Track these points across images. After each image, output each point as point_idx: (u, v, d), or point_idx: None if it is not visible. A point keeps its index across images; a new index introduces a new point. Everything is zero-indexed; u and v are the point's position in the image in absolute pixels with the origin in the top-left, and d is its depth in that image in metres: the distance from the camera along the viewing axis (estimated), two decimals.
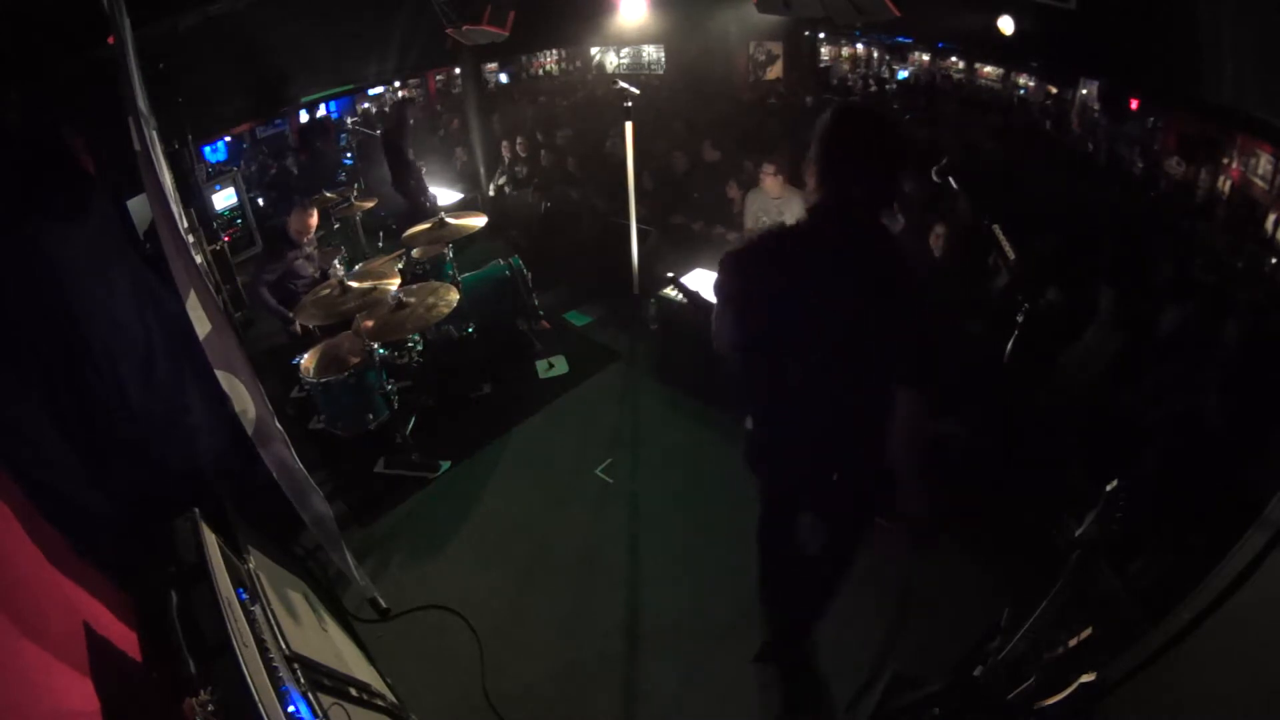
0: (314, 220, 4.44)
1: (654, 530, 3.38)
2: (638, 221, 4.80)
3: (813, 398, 1.89)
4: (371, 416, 3.81)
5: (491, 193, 7.22)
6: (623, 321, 5.15)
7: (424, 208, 6.14)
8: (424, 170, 6.46)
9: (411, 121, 6.90)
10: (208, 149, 7.07)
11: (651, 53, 9.92)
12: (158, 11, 5.17)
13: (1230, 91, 4.09)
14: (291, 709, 1.51)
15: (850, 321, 1.75)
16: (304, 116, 8.19)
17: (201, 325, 2.26)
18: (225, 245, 5.90)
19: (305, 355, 3.88)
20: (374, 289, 3.67)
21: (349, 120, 8.09)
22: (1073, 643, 1.67)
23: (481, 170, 7.25)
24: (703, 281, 4.49)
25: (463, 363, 4.59)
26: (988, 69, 7.30)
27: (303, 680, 1.69)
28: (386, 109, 9.34)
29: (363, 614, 3.03)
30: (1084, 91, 5.98)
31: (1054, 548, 1.79)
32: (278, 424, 2.38)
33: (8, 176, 2.38)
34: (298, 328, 4.13)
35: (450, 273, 4.73)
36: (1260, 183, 4.22)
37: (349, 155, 7.88)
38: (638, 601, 3.01)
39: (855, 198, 1.71)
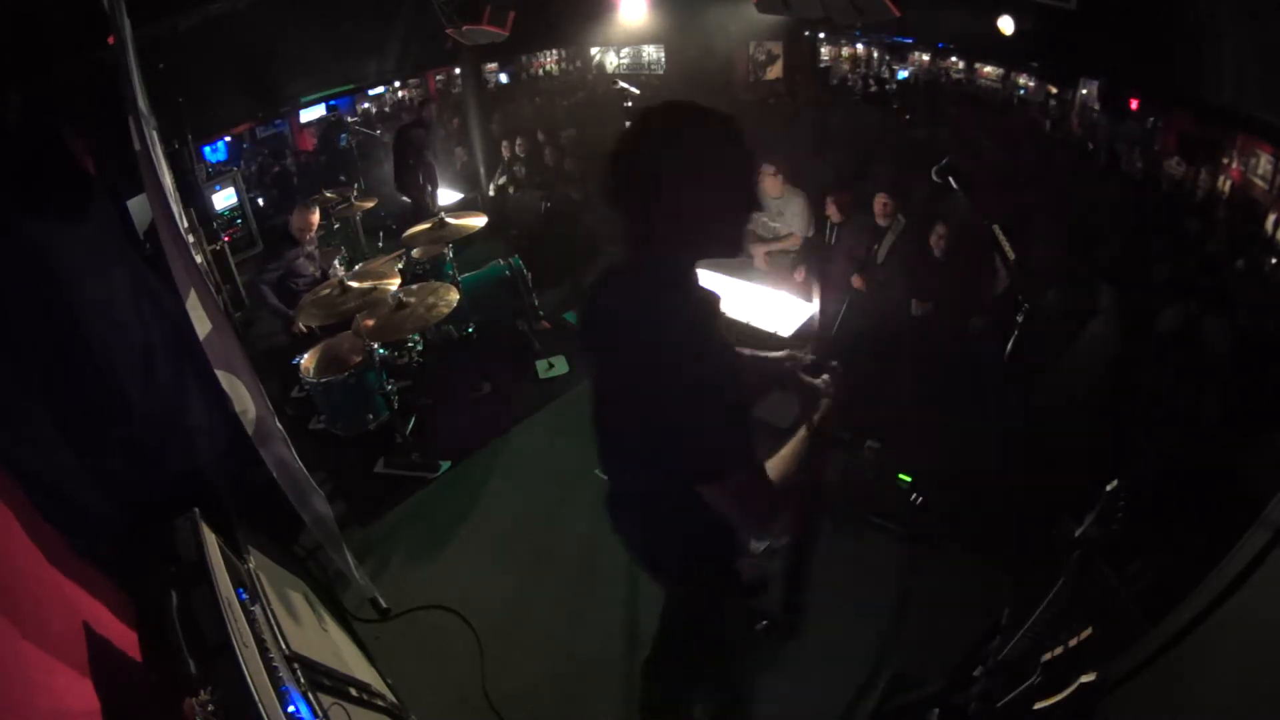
0: (315, 218, 4.44)
1: None
2: None
3: (619, 458, 1.62)
4: (371, 416, 3.81)
5: (492, 192, 7.22)
6: None
7: (429, 208, 6.16)
8: (435, 168, 6.50)
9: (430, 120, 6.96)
10: (208, 149, 7.06)
11: (651, 53, 9.90)
12: (158, 11, 5.17)
13: (1230, 91, 4.09)
14: (291, 709, 1.51)
15: (622, 384, 1.44)
16: (310, 115, 8.19)
17: (201, 325, 2.26)
18: (225, 245, 5.89)
19: (305, 355, 3.88)
20: (374, 289, 3.67)
21: (349, 120, 8.09)
22: (1073, 643, 1.67)
23: (481, 170, 7.24)
24: (702, 281, 4.49)
25: (463, 363, 4.59)
26: (988, 69, 7.30)
27: (303, 680, 1.70)
28: (386, 109, 9.34)
29: (363, 614, 3.03)
30: (1084, 91, 5.97)
31: (1054, 548, 1.79)
32: (278, 424, 2.38)
33: (8, 176, 2.38)
34: (300, 327, 4.12)
35: (450, 273, 4.73)
36: (1260, 183, 4.21)
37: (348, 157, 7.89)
38: (638, 601, 3.00)
39: (646, 232, 1.36)
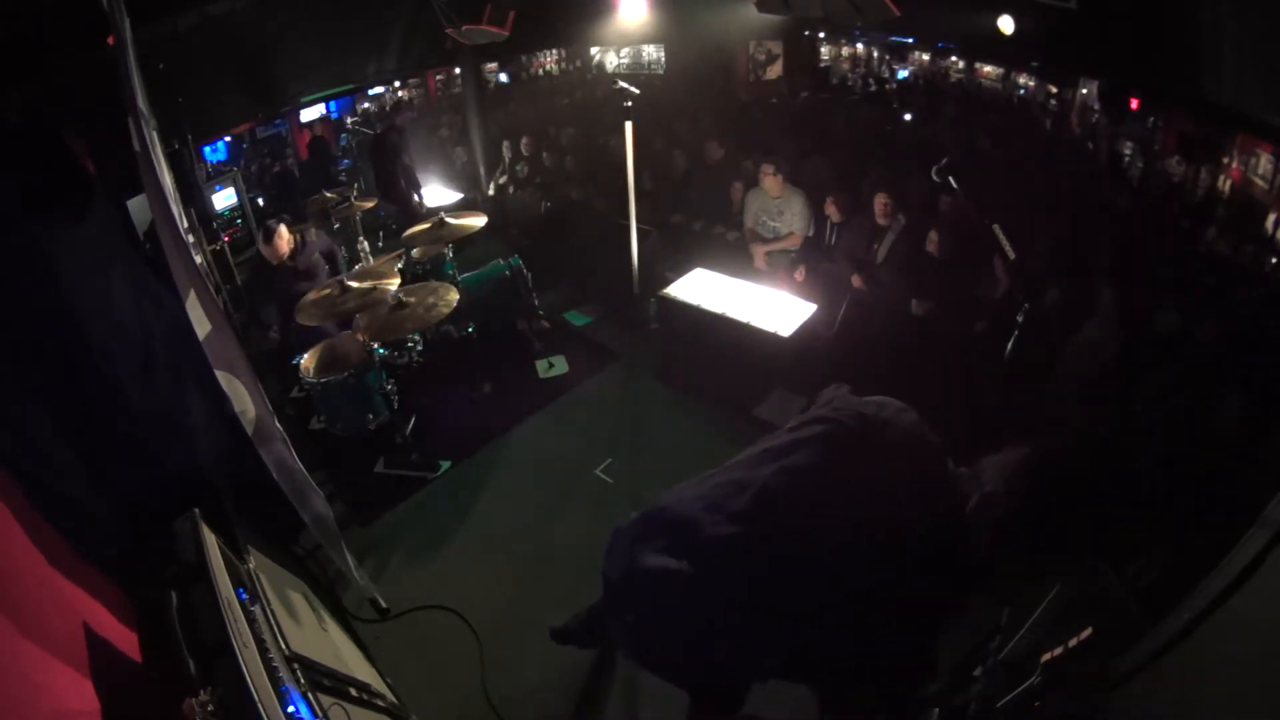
0: (284, 241, 4.30)
1: None
2: (638, 221, 4.80)
3: None
4: (371, 416, 3.81)
5: (492, 192, 7.22)
6: (623, 321, 5.15)
7: (416, 211, 6.17)
8: (415, 171, 6.49)
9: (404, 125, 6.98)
10: (208, 149, 7.06)
11: (651, 53, 9.90)
12: (158, 11, 5.17)
13: (1230, 91, 4.08)
14: (291, 709, 1.51)
15: None
16: (310, 115, 8.19)
17: (201, 325, 2.26)
18: (225, 245, 5.89)
19: (305, 355, 3.88)
20: (374, 289, 3.67)
21: (349, 120, 8.09)
22: (1073, 643, 1.67)
23: (481, 170, 7.25)
24: (702, 281, 4.50)
25: (463, 363, 4.59)
26: (988, 69, 7.29)
27: (303, 680, 1.69)
28: (387, 109, 9.35)
29: (363, 614, 3.03)
30: (1084, 91, 5.97)
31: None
32: (278, 424, 2.38)
33: (8, 176, 2.38)
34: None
35: (450, 273, 4.73)
36: (1260, 183, 4.21)
37: (347, 157, 7.90)
38: None
39: None
